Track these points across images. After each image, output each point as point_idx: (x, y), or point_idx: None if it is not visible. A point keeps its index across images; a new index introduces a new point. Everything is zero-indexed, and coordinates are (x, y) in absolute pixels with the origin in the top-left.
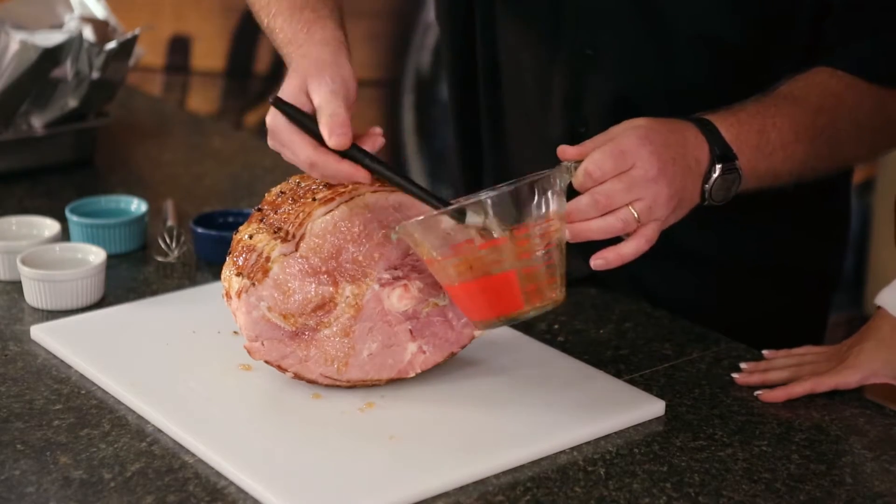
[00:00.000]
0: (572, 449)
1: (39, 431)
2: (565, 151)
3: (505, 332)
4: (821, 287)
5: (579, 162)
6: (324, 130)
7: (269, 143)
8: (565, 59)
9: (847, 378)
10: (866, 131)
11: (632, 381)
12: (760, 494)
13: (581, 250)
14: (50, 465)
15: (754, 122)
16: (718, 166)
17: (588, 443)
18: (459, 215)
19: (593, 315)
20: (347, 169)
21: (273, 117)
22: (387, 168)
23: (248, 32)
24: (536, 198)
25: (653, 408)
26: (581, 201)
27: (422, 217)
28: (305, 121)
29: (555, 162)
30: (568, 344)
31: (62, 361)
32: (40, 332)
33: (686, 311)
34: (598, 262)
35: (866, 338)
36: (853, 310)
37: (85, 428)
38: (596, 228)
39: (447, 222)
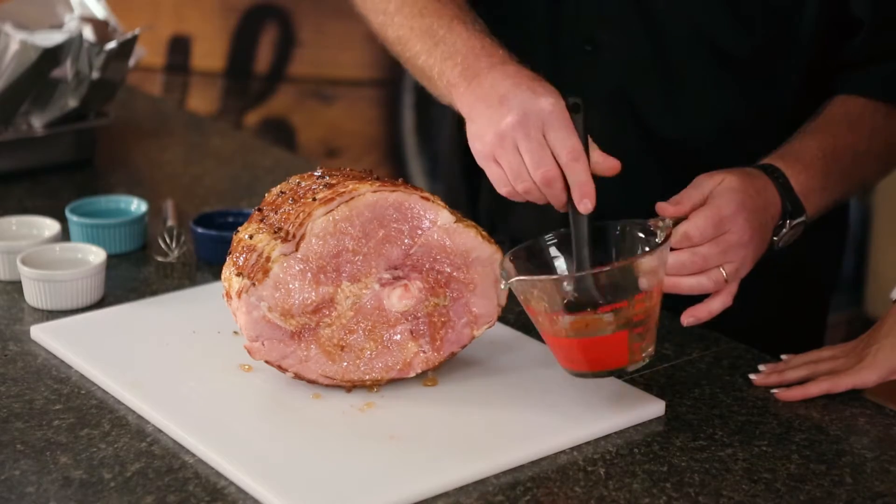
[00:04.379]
0: (572, 449)
1: (39, 431)
2: (665, 210)
3: (505, 332)
4: (819, 290)
5: (677, 219)
6: (598, 157)
7: (516, 120)
8: (564, 55)
9: (865, 378)
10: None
11: (632, 381)
12: (760, 494)
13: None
14: (50, 465)
15: (819, 165)
16: (789, 221)
17: (588, 443)
18: (584, 283)
19: None
20: (592, 186)
21: (558, 100)
22: (589, 222)
23: (248, 32)
24: (652, 263)
25: (653, 408)
26: (679, 259)
27: (555, 276)
28: (582, 132)
29: None
30: None
31: (62, 361)
32: (40, 332)
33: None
34: (689, 320)
35: (884, 334)
36: (853, 310)
37: (85, 428)
38: (687, 286)
39: (570, 285)
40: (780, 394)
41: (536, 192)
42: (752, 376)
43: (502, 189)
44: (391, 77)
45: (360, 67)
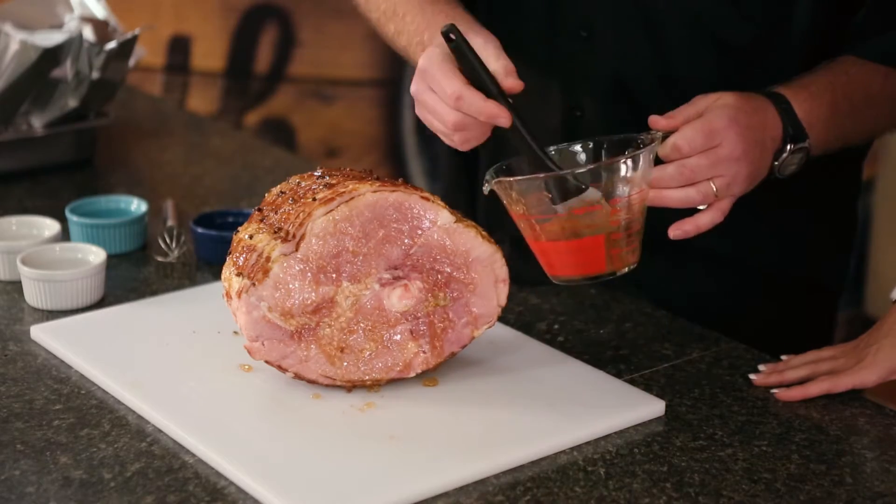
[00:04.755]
0: (572, 449)
1: (39, 431)
2: (657, 122)
3: (505, 332)
4: (825, 298)
5: (667, 132)
6: (499, 69)
7: (414, 87)
8: (560, 42)
9: (865, 378)
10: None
11: (632, 381)
12: (760, 494)
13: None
14: (50, 465)
15: (826, 96)
16: (790, 146)
17: (588, 443)
18: (564, 182)
19: (593, 315)
20: (493, 108)
21: (429, 55)
22: (522, 122)
23: (248, 32)
24: (633, 168)
25: (653, 408)
26: (667, 171)
27: (527, 177)
28: (469, 56)
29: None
30: (568, 344)
31: (62, 361)
32: (40, 332)
33: (688, 317)
34: (676, 232)
35: (883, 334)
36: (853, 310)
37: (85, 428)
38: (676, 198)
39: (549, 184)
40: (780, 394)
41: (470, 134)
42: (752, 376)
43: (453, 145)
44: (391, 77)
45: (360, 67)
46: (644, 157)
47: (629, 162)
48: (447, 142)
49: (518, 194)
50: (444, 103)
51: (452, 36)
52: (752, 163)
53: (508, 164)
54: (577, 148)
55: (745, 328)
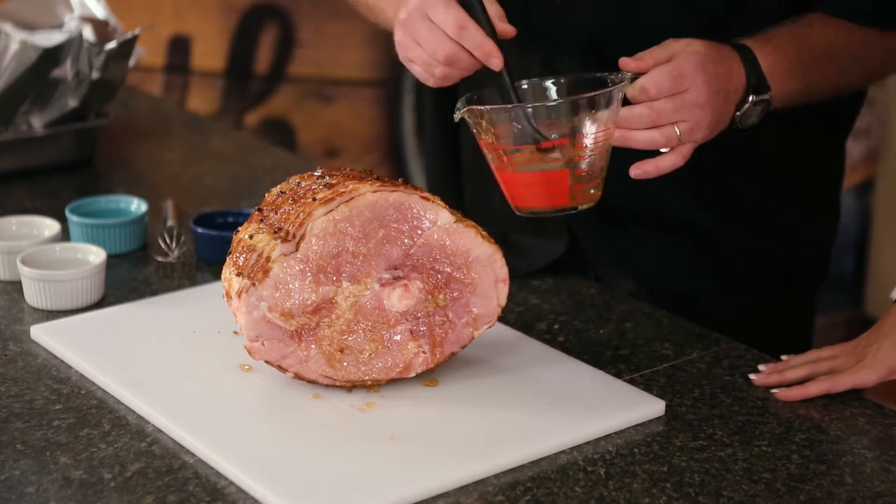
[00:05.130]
0: (572, 449)
1: (39, 431)
2: (627, 64)
3: (505, 332)
4: (808, 283)
5: (636, 74)
6: (493, 14)
7: (405, 15)
8: (536, 7)
9: (865, 378)
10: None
11: (632, 381)
12: (760, 494)
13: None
14: (50, 465)
15: (790, 49)
16: (752, 97)
17: (588, 443)
18: (533, 113)
19: (593, 315)
20: (491, 46)
21: None
22: (508, 69)
23: (248, 32)
24: (602, 106)
25: (653, 408)
26: (633, 111)
27: (498, 106)
28: (479, 8)
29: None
30: (568, 344)
31: (62, 361)
32: (40, 332)
33: (677, 298)
34: (637, 172)
35: (883, 334)
36: (853, 310)
37: (85, 428)
38: (641, 139)
39: (519, 115)
40: (780, 394)
41: (453, 71)
42: (752, 376)
43: (429, 82)
44: (391, 77)
45: (360, 67)
46: (613, 96)
47: (599, 100)
48: (422, 76)
49: (488, 123)
50: (440, 33)
51: None
52: (715, 110)
53: (480, 95)
54: (549, 84)
55: (732, 319)
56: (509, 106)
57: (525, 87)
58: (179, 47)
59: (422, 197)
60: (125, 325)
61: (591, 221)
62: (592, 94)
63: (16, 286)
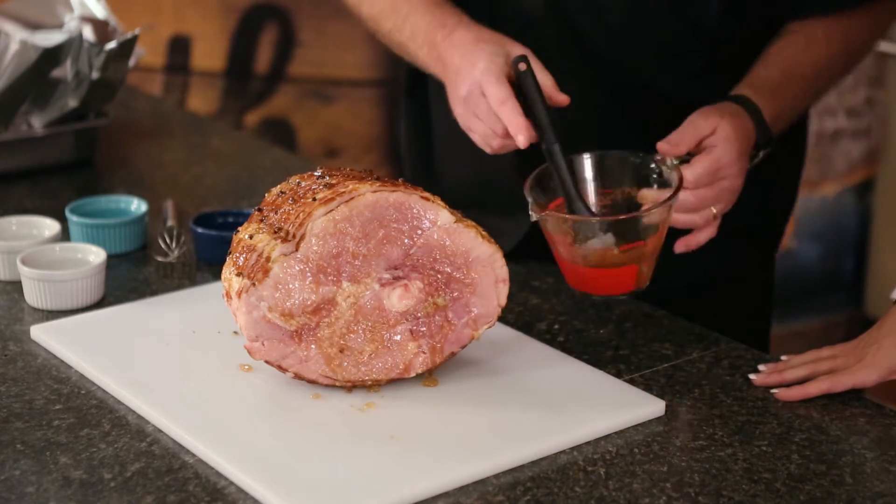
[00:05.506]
0: (572, 449)
1: (39, 431)
2: (663, 150)
3: (505, 332)
4: (769, 244)
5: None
6: (548, 83)
7: (466, 90)
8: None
9: (865, 378)
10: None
11: (632, 381)
12: (760, 494)
13: None
14: (50, 465)
15: (783, 90)
16: (761, 153)
17: (588, 443)
18: (613, 226)
19: (593, 315)
20: (519, 124)
21: (486, 68)
22: (564, 163)
23: (248, 32)
24: (671, 209)
25: (653, 408)
26: (679, 198)
27: (582, 217)
28: (532, 86)
29: None
30: (568, 344)
31: (62, 361)
32: (40, 332)
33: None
34: (683, 248)
35: (884, 334)
36: (853, 310)
37: (85, 428)
38: (681, 221)
39: (603, 226)
40: (780, 394)
41: (511, 142)
42: (751, 376)
43: (487, 150)
44: (391, 77)
45: (360, 67)
46: (679, 197)
47: (672, 202)
48: (481, 145)
49: (568, 227)
50: (492, 111)
51: (523, 66)
52: (743, 180)
53: (539, 173)
54: (595, 158)
55: (687, 283)
56: (595, 218)
57: (574, 158)
58: (179, 47)
59: (422, 197)
60: (125, 325)
61: None
62: (668, 199)
63: (16, 286)
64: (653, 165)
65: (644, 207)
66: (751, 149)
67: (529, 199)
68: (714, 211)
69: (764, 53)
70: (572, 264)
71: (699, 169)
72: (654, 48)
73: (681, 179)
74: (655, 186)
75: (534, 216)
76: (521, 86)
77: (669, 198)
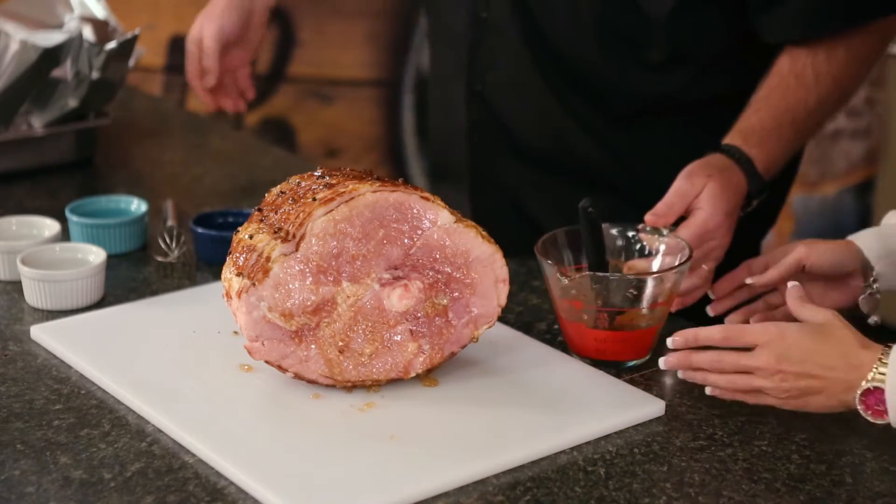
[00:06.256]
0: (572, 449)
1: (39, 431)
2: (651, 222)
3: (505, 332)
4: (763, 224)
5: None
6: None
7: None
8: None
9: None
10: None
11: (632, 381)
12: (760, 494)
13: None
14: (50, 465)
15: (775, 136)
16: (755, 202)
17: (588, 443)
18: (643, 286)
19: None
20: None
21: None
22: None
23: None
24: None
25: (653, 408)
26: None
27: (619, 275)
28: (594, 230)
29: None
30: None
31: (62, 361)
32: (40, 332)
33: None
34: (678, 306)
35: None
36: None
37: (85, 428)
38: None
39: (639, 283)
40: (685, 374)
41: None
42: (668, 340)
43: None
44: (391, 77)
45: (360, 67)
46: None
47: (688, 263)
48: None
49: (605, 288)
50: None
51: (591, 210)
52: (732, 234)
53: (545, 241)
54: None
55: None
56: (632, 276)
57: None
58: (179, 47)
59: (422, 197)
60: (125, 325)
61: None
62: (687, 260)
63: (16, 286)
64: (632, 234)
65: (679, 261)
66: (741, 202)
67: (548, 264)
68: (706, 268)
69: (753, 98)
70: (593, 329)
71: (685, 236)
72: (608, 38)
73: (691, 251)
74: (638, 256)
75: (564, 280)
76: (586, 227)
77: (690, 256)
